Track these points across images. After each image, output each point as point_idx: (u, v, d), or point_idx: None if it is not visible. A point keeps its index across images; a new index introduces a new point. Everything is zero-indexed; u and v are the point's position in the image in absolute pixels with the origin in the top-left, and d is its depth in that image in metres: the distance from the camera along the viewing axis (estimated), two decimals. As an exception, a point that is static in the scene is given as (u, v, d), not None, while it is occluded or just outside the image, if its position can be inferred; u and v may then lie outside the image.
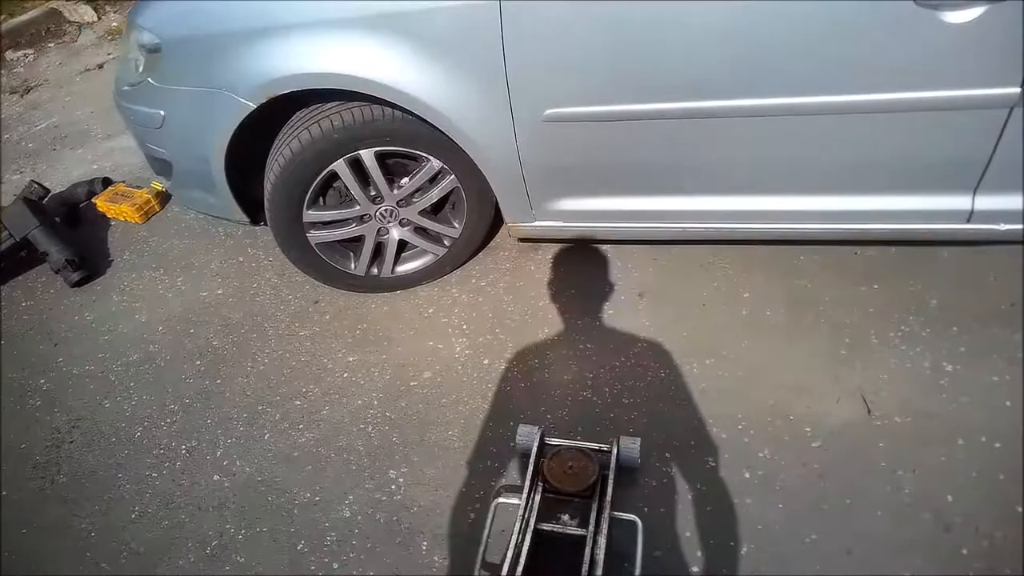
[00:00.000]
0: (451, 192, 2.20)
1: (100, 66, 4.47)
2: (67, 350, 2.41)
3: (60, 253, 2.57)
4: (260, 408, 2.09)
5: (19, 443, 2.13)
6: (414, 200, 2.18)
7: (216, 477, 1.94)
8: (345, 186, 2.10)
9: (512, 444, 1.89)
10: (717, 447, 1.84)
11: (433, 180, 2.15)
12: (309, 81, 1.86)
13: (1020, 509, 1.64)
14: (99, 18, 5.03)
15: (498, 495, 1.78)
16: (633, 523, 1.65)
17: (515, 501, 1.68)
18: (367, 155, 2.03)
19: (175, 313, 2.46)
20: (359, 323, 2.33)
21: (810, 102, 1.72)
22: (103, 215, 2.97)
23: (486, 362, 2.14)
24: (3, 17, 4.98)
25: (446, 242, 2.33)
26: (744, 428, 1.88)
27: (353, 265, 2.31)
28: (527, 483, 1.66)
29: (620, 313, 2.24)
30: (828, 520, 1.66)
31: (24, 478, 2.03)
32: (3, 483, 2.02)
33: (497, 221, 2.32)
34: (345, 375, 2.16)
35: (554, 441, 1.80)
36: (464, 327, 2.27)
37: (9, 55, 4.69)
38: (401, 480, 1.86)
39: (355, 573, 1.69)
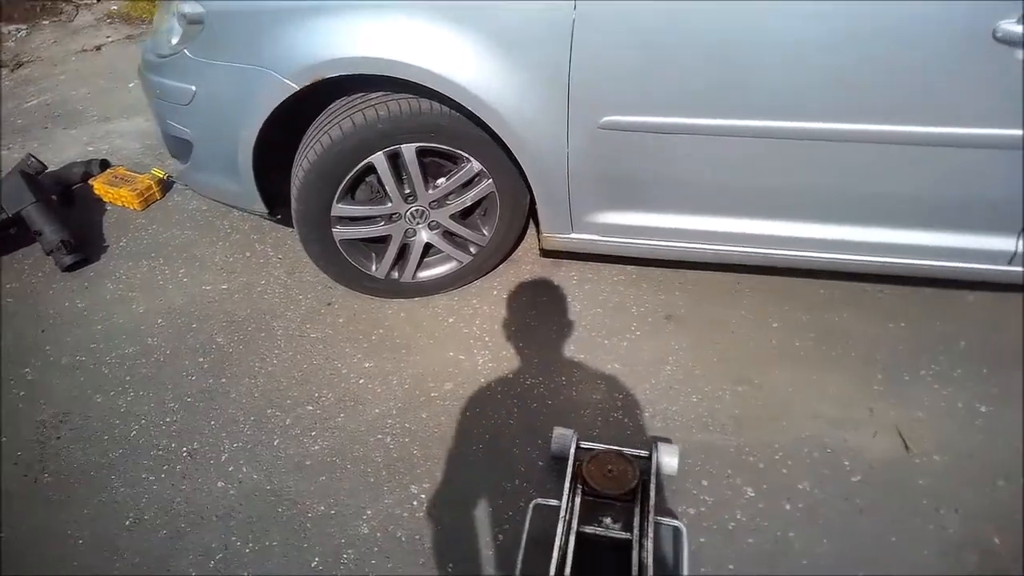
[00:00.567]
0: (484, 198, 2.12)
1: (98, 48, 4.31)
2: (55, 337, 2.24)
3: (55, 233, 2.41)
4: (269, 411, 1.95)
5: (-3, 435, 1.95)
6: (448, 202, 2.10)
7: (220, 484, 1.79)
8: (379, 181, 2.01)
9: (540, 463, 1.79)
10: (756, 477, 1.77)
11: (469, 183, 2.08)
12: (361, 65, 1.77)
13: (1067, 556, 1.60)
14: (97, 0, 4.88)
15: (533, 498, 1.68)
16: (678, 529, 1.61)
17: (554, 503, 1.62)
18: (408, 150, 1.95)
19: (176, 306, 2.32)
20: (375, 328, 2.22)
21: (872, 130, 1.71)
22: (99, 199, 2.81)
23: (511, 376, 2.05)
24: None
25: (472, 249, 2.25)
26: (782, 458, 1.82)
27: (374, 266, 2.21)
28: (567, 484, 1.61)
29: (647, 335, 2.18)
30: (875, 557, 1.60)
31: (2, 476, 1.84)
32: (-23, 476, 1.84)
33: (522, 235, 2.25)
34: (361, 381, 2.04)
35: (590, 445, 1.74)
36: (487, 339, 2.18)
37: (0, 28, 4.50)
38: (423, 496, 1.74)
39: (375, 593, 1.56)
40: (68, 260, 2.42)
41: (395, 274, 2.24)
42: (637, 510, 1.59)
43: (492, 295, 2.35)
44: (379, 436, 1.88)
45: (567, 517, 1.54)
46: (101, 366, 2.12)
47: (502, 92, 1.77)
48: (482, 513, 1.70)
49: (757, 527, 1.66)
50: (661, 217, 2.02)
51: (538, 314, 2.27)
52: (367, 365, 2.09)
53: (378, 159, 1.94)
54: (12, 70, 4.09)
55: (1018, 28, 1.53)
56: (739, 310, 2.28)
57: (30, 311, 2.34)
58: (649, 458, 1.70)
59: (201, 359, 2.12)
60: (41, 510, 1.75)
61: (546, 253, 2.45)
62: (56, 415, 1.99)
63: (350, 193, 2.05)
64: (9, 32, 4.47)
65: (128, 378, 2.08)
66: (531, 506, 1.66)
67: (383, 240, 2.17)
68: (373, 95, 1.91)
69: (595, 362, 2.09)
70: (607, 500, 1.61)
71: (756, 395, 1.99)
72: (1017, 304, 2.23)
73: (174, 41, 2.00)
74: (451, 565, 1.60)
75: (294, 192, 2.01)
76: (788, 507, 1.70)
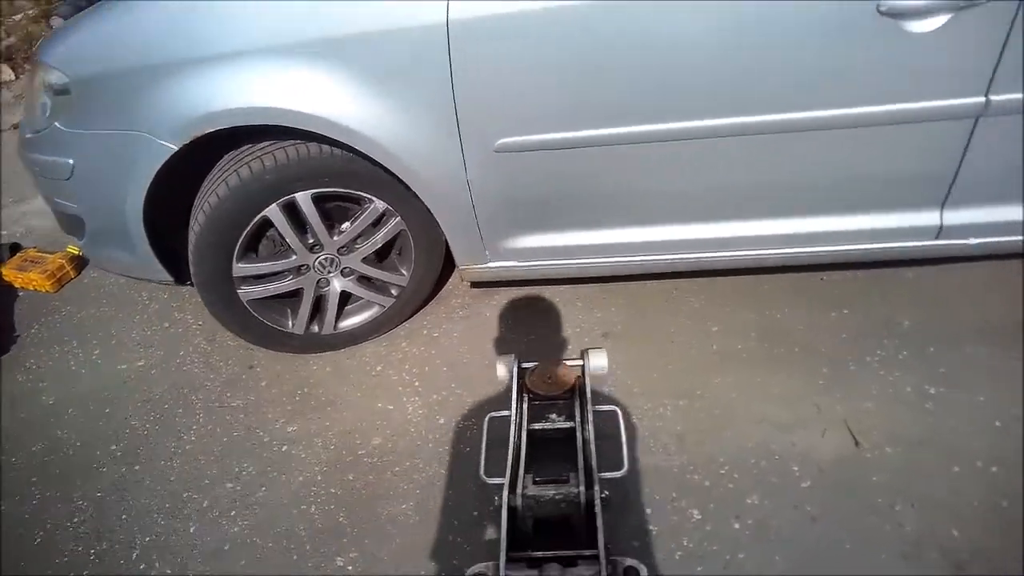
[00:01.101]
0: (397, 236, 2.03)
1: (14, 126, 4.19)
2: (-44, 442, 2.10)
3: (-45, 329, 2.28)
4: (185, 495, 1.82)
5: None
6: (357, 246, 2.01)
7: (131, 583, 1.65)
8: (279, 234, 1.91)
9: (474, 513, 1.69)
10: (701, 497, 1.67)
11: (377, 223, 1.99)
12: (236, 117, 1.68)
13: (1030, 538, 1.51)
14: (16, 77, 4.76)
15: (469, 560, 1.56)
16: (614, 412, 1.83)
17: (506, 413, 1.80)
18: (303, 198, 1.85)
19: (88, 392, 2.19)
20: (299, 388, 2.10)
21: (773, 120, 1.65)
22: (10, 285, 2.68)
23: (442, 421, 1.94)
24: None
25: (393, 291, 2.15)
26: (728, 472, 1.72)
27: (291, 323, 2.10)
28: (514, 395, 1.82)
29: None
30: (831, 569, 1.50)
31: None
32: None
33: (448, 266, 2.17)
34: (284, 448, 1.92)
35: (528, 364, 1.91)
36: (416, 384, 2.07)
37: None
38: (351, 568, 1.62)
39: None
40: (-28, 356, 2.29)
41: (315, 328, 2.13)
42: (577, 404, 1.80)
43: (422, 335, 2.25)
44: (303, 507, 1.76)
45: (518, 420, 1.75)
46: (7, 470, 1.98)
47: (388, 126, 1.69)
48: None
49: (705, 553, 1.56)
50: (579, 235, 1.95)
51: (470, 349, 2.17)
52: (290, 429, 1.97)
53: (273, 212, 1.85)
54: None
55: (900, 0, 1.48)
56: (678, 317, 2.20)
57: (-66, 416, 2.20)
58: (582, 362, 1.88)
59: (114, 447, 1.99)
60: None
61: (476, 284, 2.36)
62: (-46, 528, 1.85)
63: (250, 250, 1.95)
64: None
65: (34, 479, 1.93)
66: (486, 420, 1.85)
67: (296, 294, 2.06)
68: (260, 145, 1.82)
69: (531, 393, 1.99)
70: (551, 401, 1.84)
71: (699, 407, 1.90)
72: (955, 277, 2.18)
73: (47, 114, 1.90)
74: (383, 640, 1.49)
75: (191, 257, 1.91)
76: (737, 526, 1.61)
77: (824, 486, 1.66)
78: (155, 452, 1.95)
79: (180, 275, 2.09)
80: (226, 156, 1.86)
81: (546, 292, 2.33)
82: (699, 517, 1.63)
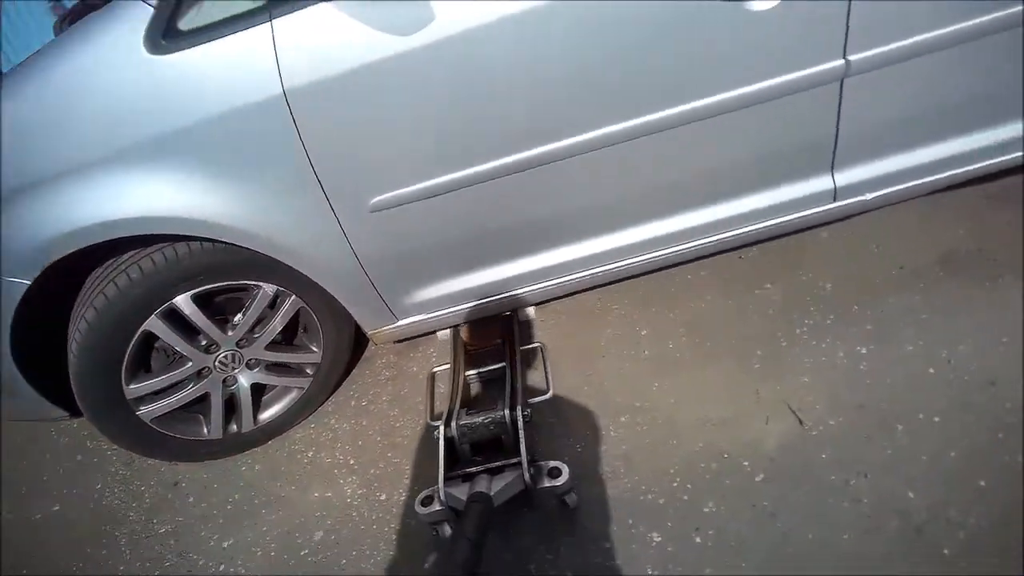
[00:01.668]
0: (298, 313, 1.93)
1: None
2: None
3: None
4: (121, 646, 1.68)
5: None
6: (256, 336, 1.89)
7: None
8: (168, 344, 1.79)
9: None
10: (658, 516, 1.61)
11: (273, 306, 1.88)
12: (82, 238, 1.56)
13: (983, 483, 1.49)
14: None
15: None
16: (541, 348, 2.09)
17: (447, 366, 2.05)
18: (183, 301, 1.74)
19: (4, 553, 2.01)
20: (230, 496, 1.97)
21: (646, 121, 1.61)
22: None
23: (383, 497, 1.84)
24: None
25: (309, 371, 2.04)
26: (680, 484, 1.67)
27: (206, 430, 1.97)
28: (452, 350, 2.06)
29: (533, 387, 2.01)
30: (796, 566, 1.45)
31: None
32: None
33: (362, 332, 2.07)
34: (221, 568, 1.79)
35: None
36: (351, 462, 1.96)
37: None
38: None
39: None
40: None
41: (234, 427, 2.01)
42: (507, 347, 2.02)
43: (350, 407, 2.14)
44: (250, 627, 1.64)
45: (455, 368, 1.99)
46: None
47: (252, 211, 1.60)
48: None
49: (671, 577, 1.49)
50: (481, 274, 1.88)
51: (402, 411, 2.07)
52: (226, 545, 1.84)
53: (154, 324, 1.72)
54: None
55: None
56: (606, 329, 2.15)
57: None
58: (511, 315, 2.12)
59: (36, 609, 1.83)
60: None
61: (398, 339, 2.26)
62: None
63: (141, 367, 1.82)
64: None
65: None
66: (428, 375, 2.08)
67: (205, 398, 1.94)
68: (123, 258, 1.70)
69: (470, 445, 1.91)
70: (487, 351, 2.09)
71: (641, 421, 1.84)
72: (865, 228, 2.18)
73: None
74: None
75: (74, 389, 1.77)
76: (699, 539, 1.55)
77: (777, 477, 1.62)
78: (83, 606, 1.79)
79: (75, 407, 1.93)
80: (90, 277, 1.73)
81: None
82: (659, 539, 1.57)
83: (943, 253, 2.06)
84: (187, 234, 1.61)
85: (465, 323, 2.10)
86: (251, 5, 1.45)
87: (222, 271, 1.74)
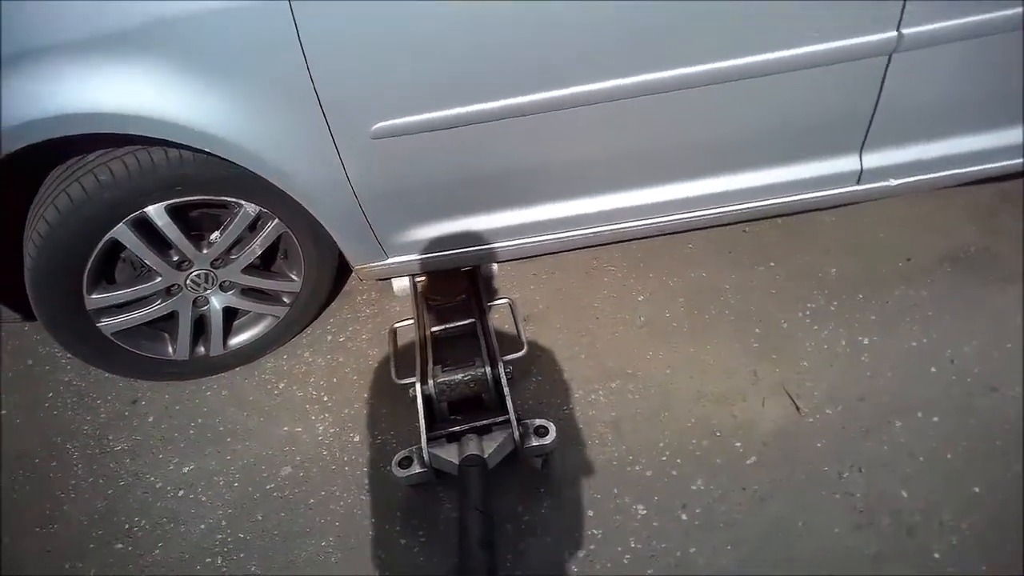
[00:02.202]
0: (279, 239, 1.78)
1: None
2: None
3: None
4: (67, 567, 1.58)
5: None
6: (233, 258, 1.75)
7: None
8: (137, 256, 1.64)
9: (402, 541, 1.52)
10: (644, 489, 1.56)
11: (253, 228, 1.73)
12: (43, 129, 1.38)
13: (977, 489, 1.47)
14: None
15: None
16: (510, 303, 1.98)
17: (410, 322, 1.94)
18: (156, 212, 1.58)
19: (-57, 457, 1.88)
20: (192, 419, 1.86)
21: (676, 75, 1.48)
22: None
23: (357, 439, 1.75)
24: None
25: (286, 299, 1.91)
26: (669, 458, 1.61)
27: (171, 349, 1.84)
28: (414, 305, 1.95)
29: (506, 345, 1.92)
30: (785, 554, 1.42)
31: None
32: None
33: (343, 264, 1.94)
34: (180, 493, 1.69)
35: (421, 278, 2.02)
36: (326, 399, 1.86)
37: None
38: (269, 624, 1.44)
39: None
40: None
41: (201, 350, 1.88)
42: (474, 303, 1.94)
43: (327, 342, 2.03)
44: (208, 559, 1.55)
45: (420, 323, 1.89)
46: None
47: (242, 122, 1.43)
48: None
49: (654, 552, 1.45)
50: (480, 219, 1.75)
51: (381, 352, 1.97)
52: (186, 470, 1.74)
53: (121, 232, 1.57)
54: None
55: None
56: (601, 291, 2.06)
57: None
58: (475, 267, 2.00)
59: (-26, 521, 1.71)
60: None
61: (383, 278, 2.14)
62: None
63: (104, 277, 1.67)
64: None
65: None
66: (390, 330, 1.96)
67: (173, 317, 1.80)
68: (90, 157, 1.52)
69: (452, 395, 1.82)
70: (449, 306, 1.99)
71: (633, 388, 1.78)
72: (875, 215, 2.11)
73: None
74: None
75: (30, 296, 1.61)
76: (684, 517, 1.50)
77: (769, 462, 1.58)
78: (28, 521, 1.67)
79: (30, 312, 1.78)
80: (52, 173, 1.56)
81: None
82: (644, 513, 1.52)
83: (952, 249, 2.01)
84: (166, 139, 1.44)
85: (425, 275, 1.99)
86: None
87: (202, 184, 1.57)
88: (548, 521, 1.53)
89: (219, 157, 1.49)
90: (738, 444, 1.62)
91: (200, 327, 1.85)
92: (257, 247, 1.74)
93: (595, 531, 1.50)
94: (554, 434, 1.55)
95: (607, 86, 1.48)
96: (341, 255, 1.84)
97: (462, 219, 1.74)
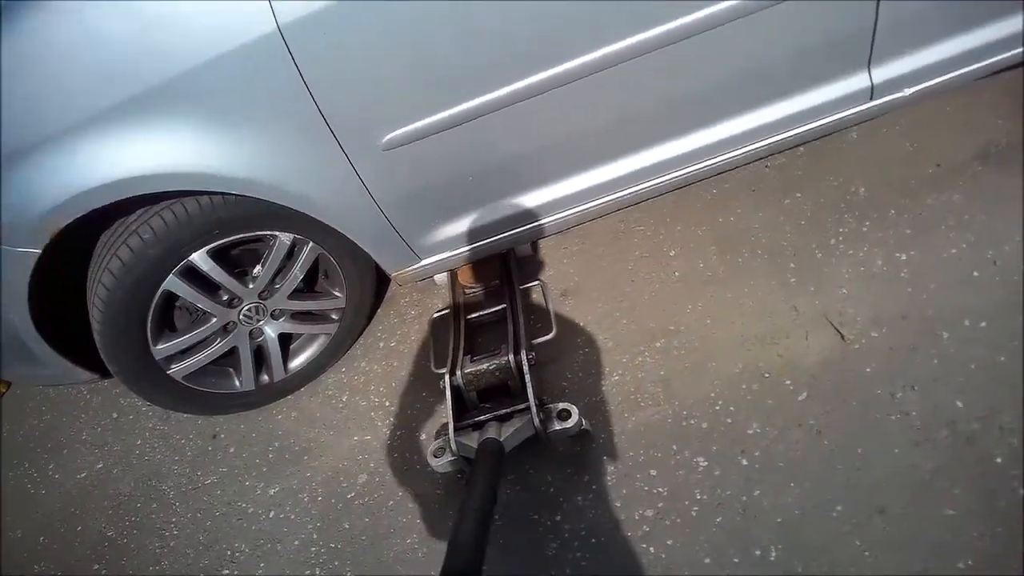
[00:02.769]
0: (317, 260, 1.87)
1: None
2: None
3: None
4: (185, 595, 1.73)
5: None
6: (277, 286, 1.84)
7: None
8: (190, 302, 1.75)
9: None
10: (702, 441, 1.60)
11: (291, 255, 1.82)
12: (86, 202, 1.48)
13: (1034, 388, 1.47)
14: None
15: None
16: (541, 284, 2.04)
17: (447, 310, 2.04)
18: (200, 258, 1.68)
19: (54, 513, 2.04)
20: (269, 444, 1.98)
21: (675, 27, 1.48)
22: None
23: (423, 437, 1.84)
24: None
25: (334, 316, 2.00)
26: (723, 407, 1.65)
27: (237, 382, 1.96)
28: (449, 293, 2.06)
29: (541, 327, 1.97)
30: (847, 482, 1.45)
31: None
32: None
33: (383, 271, 2.01)
34: (271, 514, 1.82)
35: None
36: (387, 404, 1.96)
37: None
38: (373, 619, 1.55)
39: None
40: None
41: (265, 378, 1.99)
42: (506, 288, 1.98)
43: (379, 349, 2.12)
44: (307, 571, 1.67)
45: (455, 313, 1.98)
46: (-4, 619, 1.88)
47: (259, 159, 1.51)
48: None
49: (720, 500, 1.50)
50: (504, 204, 1.80)
51: (430, 346, 2.05)
52: (272, 492, 1.87)
53: (172, 283, 1.67)
54: None
55: None
56: (632, 252, 2.08)
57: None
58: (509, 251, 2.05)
59: (97, 567, 1.87)
60: None
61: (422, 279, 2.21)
62: None
63: (165, 326, 1.78)
64: None
65: (25, 624, 1.83)
66: (429, 321, 2.07)
67: (234, 352, 1.91)
68: (132, 218, 1.62)
69: (504, 380, 1.89)
70: (485, 293, 2.05)
71: (677, 344, 1.81)
72: (898, 126, 2.06)
73: None
74: None
75: (103, 356, 1.74)
76: (745, 462, 1.54)
77: (821, 395, 1.60)
78: (140, 559, 1.84)
79: (105, 368, 1.92)
80: (100, 240, 1.67)
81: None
82: (705, 464, 1.57)
83: (981, 146, 1.96)
84: (196, 189, 1.53)
85: (461, 269, 2.04)
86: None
87: (236, 224, 1.67)
88: (617, 487, 1.59)
89: (247, 196, 1.57)
90: (788, 382, 1.64)
91: (260, 357, 1.96)
92: (298, 272, 1.83)
93: (660, 489, 1.56)
94: (577, 417, 1.59)
95: (607, 52, 1.49)
96: (377, 265, 1.92)
97: (484, 209, 1.79)
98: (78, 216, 1.51)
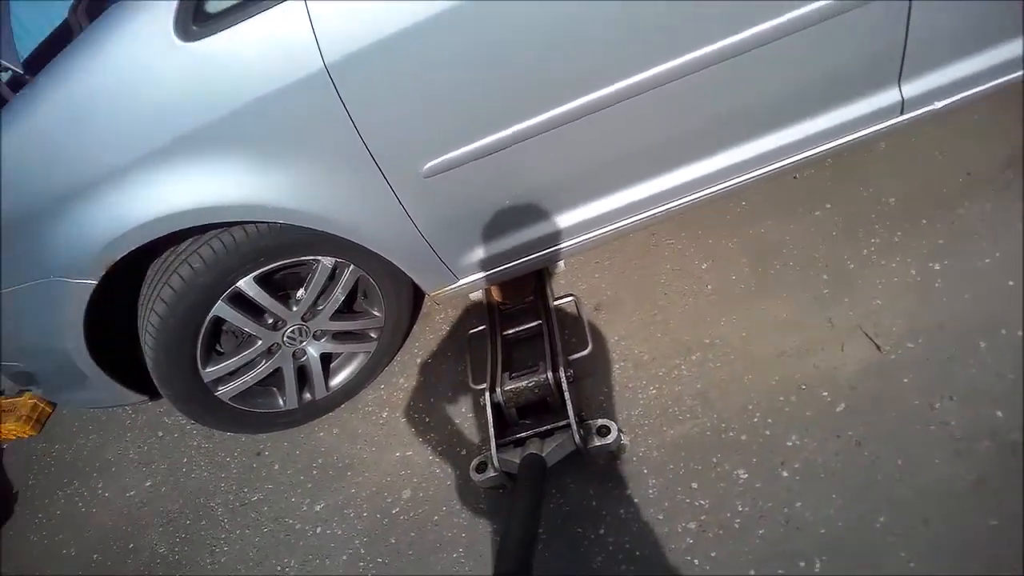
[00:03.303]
0: (357, 281, 1.92)
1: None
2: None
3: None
4: (238, 612, 1.78)
5: None
6: (319, 308, 1.90)
7: None
8: (237, 326, 1.80)
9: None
10: (742, 453, 1.63)
11: (332, 278, 1.87)
12: (141, 235, 1.55)
13: (1076, 397, 1.48)
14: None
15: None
16: (576, 300, 2.05)
17: (483, 327, 2.05)
18: (247, 284, 1.73)
19: (106, 530, 2.11)
20: (313, 461, 2.03)
21: (715, 50, 1.51)
22: (-8, 443, 2.58)
23: (464, 452, 1.88)
24: None
25: (373, 334, 2.05)
26: (760, 419, 1.67)
27: (282, 401, 2.01)
28: (488, 312, 2.07)
29: (575, 343, 2.00)
30: (889, 493, 1.47)
31: None
32: None
33: (419, 290, 2.06)
34: (318, 530, 1.87)
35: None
36: (427, 419, 2.00)
37: None
38: (423, 633, 1.59)
39: None
40: (-20, 531, 2.21)
41: (307, 396, 2.05)
42: (540, 304, 2.03)
43: (416, 365, 2.16)
44: (357, 586, 1.72)
45: (491, 330, 2.00)
46: (55, 637, 1.94)
47: (306, 189, 1.56)
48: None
49: (762, 512, 1.52)
50: (534, 228, 1.83)
51: (468, 362, 2.09)
52: (318, 508, 1.91)
53: (221, 309, 1.73)
54: None
55: None
56: (664, 266, 2.11)
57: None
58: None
59: (150, 582, 1.93)
60: None
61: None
62: None
63: (213, 350, 1.84)
64: None
65: (83, 641, 1.89)
66: (466, 338, 2.10)
67: (277, 373, 1.97)
68: (182, 248, 1.68)
69: (542, 395, 1.93)
70: (519, 308, 2.08)
71: (712, 357, 1.84)
72: (927, 136, 2.07)
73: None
74: None
75: (155, 380, 1.80)
76: (785, 474, 1.57)
77: (859, 406, 1.61)
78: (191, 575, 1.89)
79: (153, 389, 1.98)
80: (150, 269, 1.73)
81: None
82: (745, 476, 1.59)
83: (1012, 154, 1.96)
84: (241, 219, 1.59)
85: (494, 287, 2.07)
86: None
87: (281, 250, 1.72)
88: (659, 499, 1.62)
89: (293, 224, 1.62)
90: (825, 394, 1.66)
91: (303, 376, 2.01)
92: (339, 294, 1.88)
93: (702, 501, 1.58)
94: (616, 433, 1.64)
95: (642, 78, 1.52)
96: (414, 285, 1.97)
97: (520, 230, 1.82)
98: (133, 248, 1.57)
